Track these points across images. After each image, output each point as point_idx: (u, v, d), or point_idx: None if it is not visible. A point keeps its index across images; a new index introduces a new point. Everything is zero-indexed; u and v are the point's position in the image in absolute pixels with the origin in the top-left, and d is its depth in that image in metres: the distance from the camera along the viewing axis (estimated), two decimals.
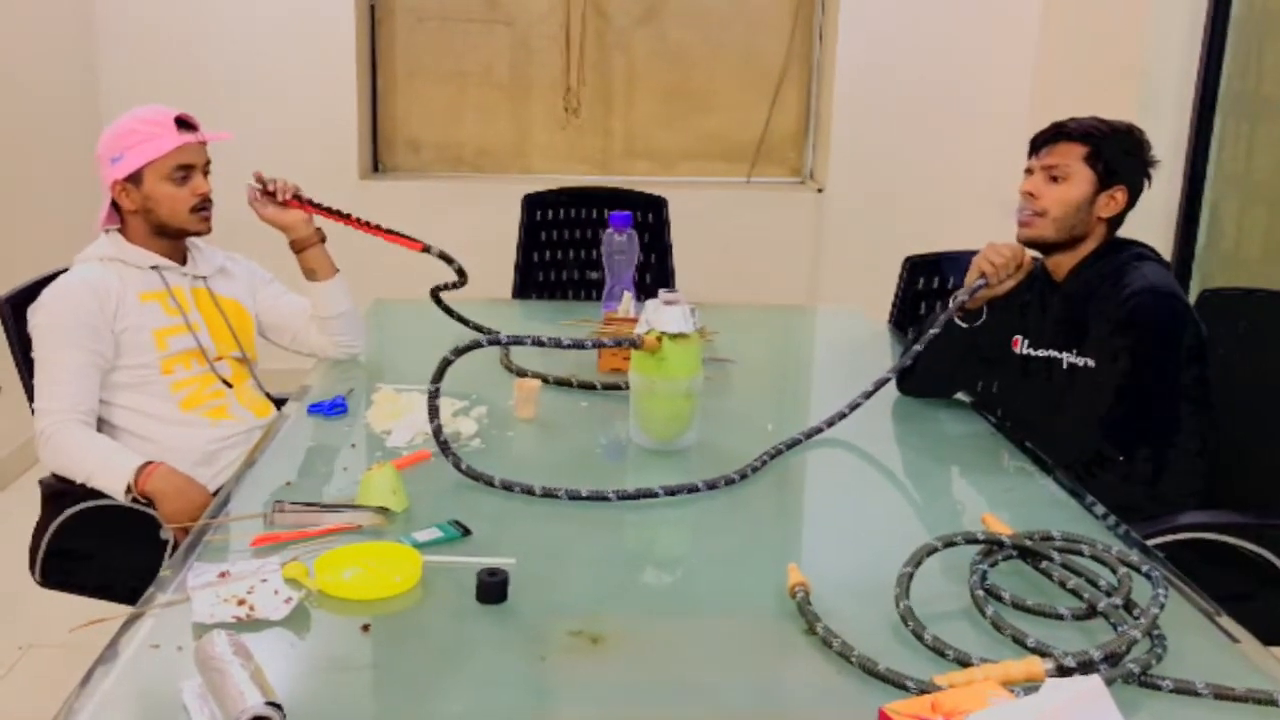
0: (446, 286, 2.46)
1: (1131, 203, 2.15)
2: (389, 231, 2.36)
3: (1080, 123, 2.14)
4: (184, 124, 2.20)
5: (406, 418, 2.00)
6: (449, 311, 2.51)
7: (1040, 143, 2.16)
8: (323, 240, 2.37)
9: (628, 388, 1.97)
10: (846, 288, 4.44)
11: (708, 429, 1.99)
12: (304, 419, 2.06)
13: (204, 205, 2.23)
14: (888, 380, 2.10)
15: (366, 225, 2.34)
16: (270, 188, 2.30)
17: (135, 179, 2.18)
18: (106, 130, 2.21)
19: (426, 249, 2.36)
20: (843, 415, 2.05)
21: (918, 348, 2.11)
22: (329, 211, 2.33)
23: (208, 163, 2.25)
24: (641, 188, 3.62)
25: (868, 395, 2.06)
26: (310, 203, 2.33)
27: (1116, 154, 2.12)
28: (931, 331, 2.12)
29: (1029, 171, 2.17)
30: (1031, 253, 2.18)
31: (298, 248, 2.35)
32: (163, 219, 2.21)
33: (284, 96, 4.38)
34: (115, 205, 2.22)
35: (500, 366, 2.37)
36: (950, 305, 2.15)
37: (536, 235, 3.52)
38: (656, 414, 1.91)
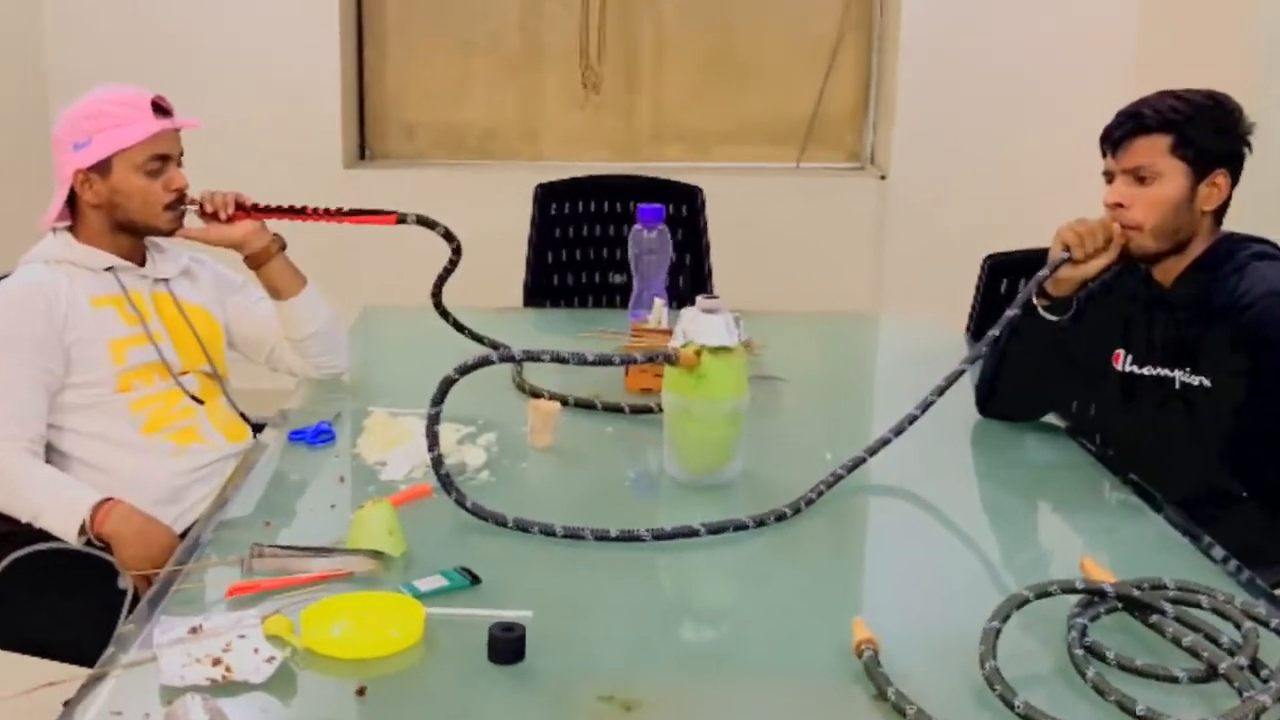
0: (444, 275, 2.43)
1: (1235, 182, 2.11)
2: (354, 213, 2.33)
3: (1155, 108, 2.09)
4: (160, 109, 2.21)
5: (403, 447, 1.98)
6: (449, 318, 2.48)
7: (1115, 140, 2.11)
8: (283, 249, 2.35)
9: (660, 411, 1.95)
10: (916, 292, 4.37)
11: (755, 459, 1.96)
12: (284, 448, 2.05)
13: (179, 201, 2.23)
14: (961, 374, 2.07)
15: (327, 214, 2.31)
16: (209, 207, 2.28)
17: (102, 169, 2.18)
18: (68, 111, 2.22)
19: (402, 219, 2.33)
20: (913, 419, 2.02)
21: (994, 332, 2.10)
22: (282, 211, 2.30)
23: (182, 153, 2.26)
24: (673, 176, 3.59)
25: (940, 392, 2.04)
26: (257, 208, 2.31)
27: (1206, 135, 2.07)
28: (1010, 313, 2.10)
29: (1109, 176, 2.14)
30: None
31: (255, 263, 2.34)
32: (131, 215, 2.22)
33: (254, 73, 4.36)
34: (70, 198, 2.21)
35: (512, 386, 2.35)
36: (1030, 283, 2.13)
37: (551, 232, 3.49)
38: (695, 441, 1.89)
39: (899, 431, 2.02)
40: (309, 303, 2.36)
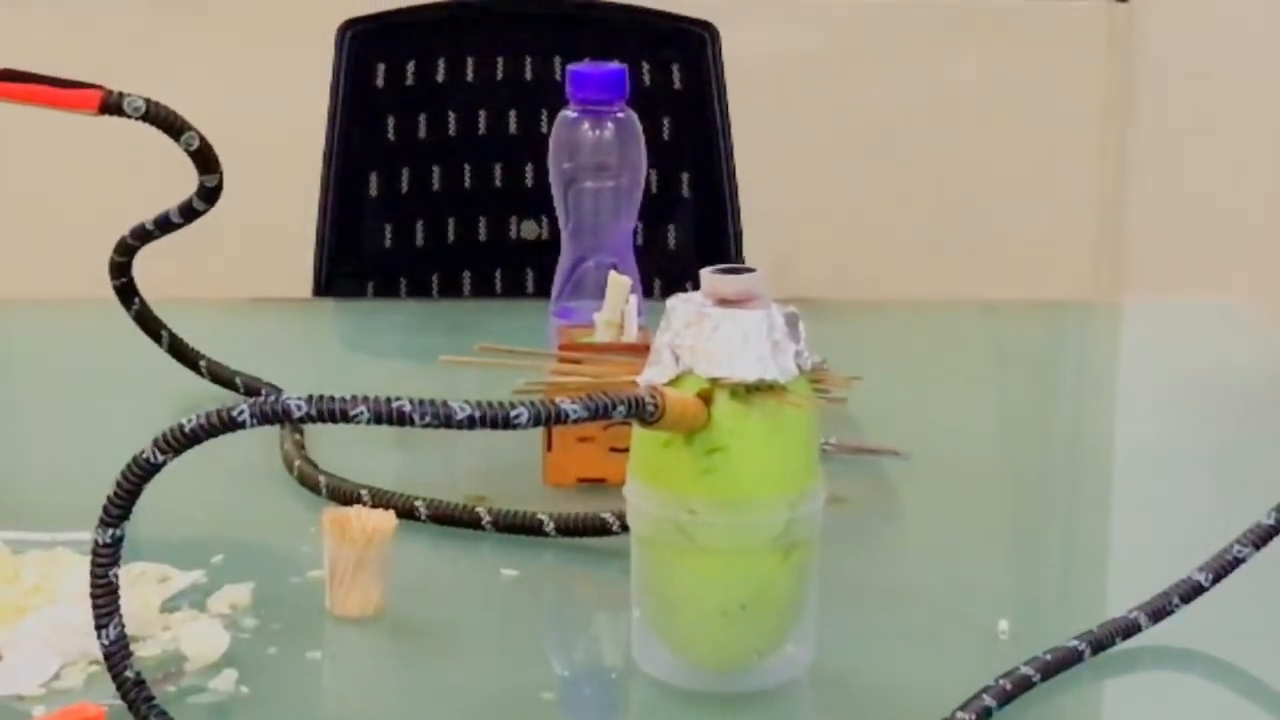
0: (151, 231, 1.90)
1: None
2: (13, 77, 1.81)
3: None
4: None
5: (38, 618, 1.64)
6: (149, 324, 1.99)
7: None
8: None
9: (624, 530, 1.55)
10: (1193, 255, 3.29)
11: (839, 635, 1.50)
12: None
13: None
14: None
15: None
16: None
17: None
18: None
19: (114, 105, 1.82)
20: (1231, 564, 1.50)
21: None
22: None
23: None
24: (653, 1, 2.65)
25: None
26: None
27: None
28: None
29: None
30: None
31: None
32: None
33: None
34: None
35: (285, 479, 1.85)
36: None
37: (376, 131, 2.78)
38: (705, 599, 1.49)
39: (1188, 595, 1.44)
40: None
